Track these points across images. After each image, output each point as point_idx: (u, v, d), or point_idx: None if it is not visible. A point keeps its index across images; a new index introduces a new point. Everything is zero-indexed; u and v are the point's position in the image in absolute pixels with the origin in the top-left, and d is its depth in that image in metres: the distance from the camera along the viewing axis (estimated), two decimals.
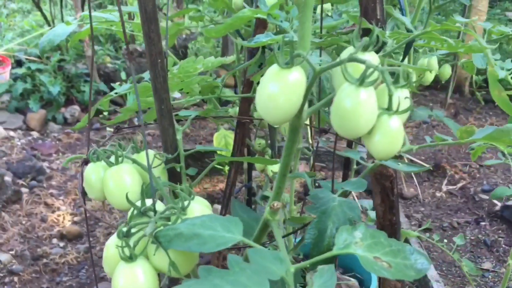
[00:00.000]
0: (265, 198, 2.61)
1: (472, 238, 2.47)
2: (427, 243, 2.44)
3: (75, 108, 3.44)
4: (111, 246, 0.55)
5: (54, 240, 2.37)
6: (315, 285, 0.42)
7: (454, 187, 2.84)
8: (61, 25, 0.98)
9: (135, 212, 0.54)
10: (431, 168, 3.02)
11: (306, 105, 0.46)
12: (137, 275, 0.51)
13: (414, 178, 2.93)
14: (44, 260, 2.24)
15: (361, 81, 0.44)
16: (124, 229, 0.52)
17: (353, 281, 1.81)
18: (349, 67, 0.44)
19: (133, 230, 0.53)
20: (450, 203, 2.73)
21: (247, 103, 1.10)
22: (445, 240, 2.42)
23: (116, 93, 0.97)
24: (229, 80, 2.35)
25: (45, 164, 2.97)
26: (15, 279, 2.14)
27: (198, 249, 0.46)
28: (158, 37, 0.56)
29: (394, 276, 0.43)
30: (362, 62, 0.44)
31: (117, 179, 0.61)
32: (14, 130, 3.23)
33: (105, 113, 3.21)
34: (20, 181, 2.74)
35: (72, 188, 2.79)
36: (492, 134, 0.55)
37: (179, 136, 0.65)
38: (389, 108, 0.47)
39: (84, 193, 0.62)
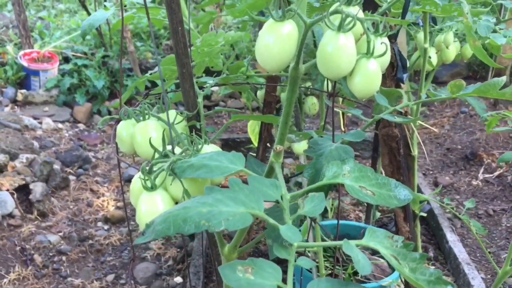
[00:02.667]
0: (298, 185, 2.68)
1: (508, 225, 2.45)
2: (461, 229, 2.44)
3: (118, 102, 3.60)
4: (137, 181, 0.64)
5: (99, 223, 2.51)
6: (305, 208, 0.49)
7: (491, 175, 2.82)
8: (100, 10, 1.08)
9: (157, 155, 0.63)
10: (468, 156, 3.00)
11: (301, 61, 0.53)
12: (156, 202, 0.59)
13: (450, 167, 2.92)
14: (90, 241, 2.38)
15: (339, 27, 0.51)
16: (147, 167, 0.61)
17: (382, 261, 1.86)
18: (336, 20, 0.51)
19: (154, 168, 0.61)
20: (486, 191, 2.72)
21: (272, 82, 1.17)
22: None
23: (151, 73, 1.06)
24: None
25: (91, 154, 3.13)
26: (63, 258, 2.28)
27: (205, 176, 0.54)
28: (178, 7, 0.64)
29: (377, 202, 0.49)
30: (343, 13, 0.50)
31: (144, 133, 0.69)
32: (62, 122, 3.41)
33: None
34: (68, 169, 2.90)
35: (115, 176, 2.93)
36: (481, 88, 0.60)
37: (200, 99, 0.73)
38: (367, 53, 0.53)
39: (117, 149, 0.71)
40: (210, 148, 0.65)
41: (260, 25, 1.03)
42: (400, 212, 0.83)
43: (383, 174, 2.30)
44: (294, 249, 0.45)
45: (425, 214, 1.40)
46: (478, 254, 2.29)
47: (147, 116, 0.71)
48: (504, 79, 0.58)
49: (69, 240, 2.38)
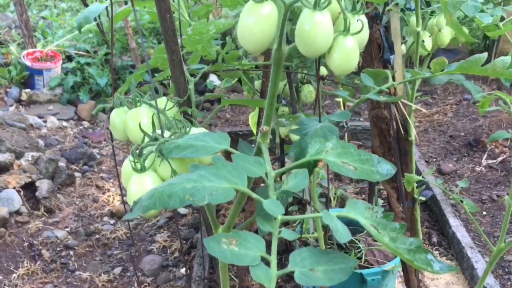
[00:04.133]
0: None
1: None
2: (465, 215, 2.44)
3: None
4: (128, 164, 0.66)
5: (105, 218, 2.54)
6: (289, 183, 0.51)
7: (494, 161, 2.82)
8: (96, 4, 1.09)
9: (148, 139, 0.65)
10: (471, 143, 2.99)
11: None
12: (146, 182, 0.61)
13: (453, 154, 2.92)
14: (97, 236, 2.41)
15: (315, 5, 0.52)
16: (137, 150, 0.63)
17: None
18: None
19: (144, 151, 0.63)
20: (490, 177, 2.72)
21: (268, 71, 1.18)
22: (484, 213, 2.42)
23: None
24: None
25: (96, 151, 3.16)
26: (71, 252, 2.31)
27: (191, 155, 0.55)
28: None
29: (359, 176, 0.51)
30: None
31: (135, 119, 0.71)
32: (67, 120, 3.44)
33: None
34: (73, 166, 2.93)
35: (120, 172, 2.96)
36: (463, 65, 0.61)
37: (191, 86, 0.75)
38: (344, 30, 0.55)
39: (111, 136, 0.73)
40: (198, 131, 0.67)
41: None
42: (393, 193, 0.84)
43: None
44: (277, 222, 0.46)
45: (423, 198, 1.41)
46: (482, 239, 2.30)
47: (138, 104, 0.72)
48: (485, 55, 0.59)
49: (76, 235, 2.41)
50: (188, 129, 0.65)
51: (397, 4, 1.18)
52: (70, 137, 3.26)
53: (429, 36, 1.18)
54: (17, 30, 4.09)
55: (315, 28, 0.52)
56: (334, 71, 0.56)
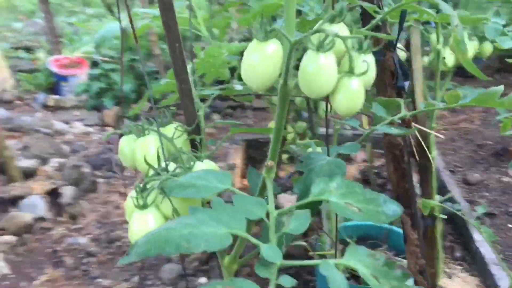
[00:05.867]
0: None
1: None
2: (491, 228, 2.38)
3: (146, 104, 3.66)
4: (130, 199, 0.66)
5: (127, 225, 2.56)
6: (290, 225, 0.50)
7: None
8: (112, 23, 1.10)
9: (152, 171, 0.64)
10: (499, 152, 2.92)
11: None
12: (147, 220, 0.61)
13: (479, 164, 2.86)
14: (118, 243, 2.43)
15: (319, 47, 0.51)
16: (141, 185, 0.63)
17: (405, 262, 1.83)
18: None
19: (148, 186, 0.63)
20: None
21: None
22: (509, 225, 2.36)
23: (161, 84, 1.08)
24: None
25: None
26: (93, 260, 2.34)
27: (193, 196, 0.55)
28: (175, 25, 0.65)
29: (363, 219, 0.49)
30: (325, 32, 0.50)
31: (143, 148, 0.71)
32: (92, 126, 3.49)
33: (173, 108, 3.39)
34: (97, 172, 2.97)
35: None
36: (479, 97, 0.59)
37: (201, 112, 0.74)
38: (350, 71, 0.53)
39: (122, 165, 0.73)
40: (203, 166, 0.66)
41: None
42: (407, 219, 0.82)
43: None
44: (275, 267, 0.45)
45: (445, 216, 1.38)
46: (508, 253, 2.24)
47: (146, 132, 0.73)
48: (501, 88, 0.57)
49: (98, 242, 2.44)
50: (192, 163, 0.65)
51: (418, 20, 1.15)
52: (94, 143, 3.31)
53: (451, 53, 1.16)
54: (45, 36, 4.18)
55: (318, 71, 0.51)
56: (338, 112, 0.55)
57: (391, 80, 0.69)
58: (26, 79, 3.74)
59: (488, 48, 1.31)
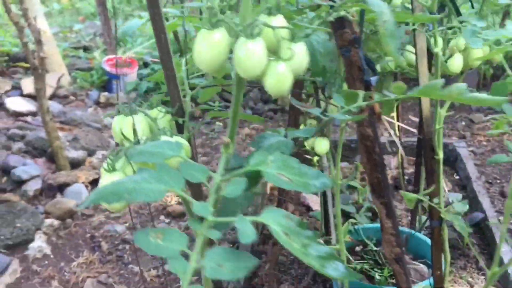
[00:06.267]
0: (351, 187, 2.68)
1: None
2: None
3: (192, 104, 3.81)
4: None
5: (162, 217, 2.70)
6: (226, 190, 0.57)
7: None
8: (136, 19, 1.21)
9: (127, 143, 0.74)
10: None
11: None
12: (113, 180, 0.70)
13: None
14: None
15: (248, 34, 0.58)
16: (114, 153, 0.72)
17: (422, 266, 1.85)
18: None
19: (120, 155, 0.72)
20: None
21: (296, 88, 1.24)
22: None
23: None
24: None
25: None
26: (127, 247, 2.48)
27: (147, 160, 0.64)
28: (160, 18, 0.74)
29: (294, 187, 0.55)
30: (264, 24, 0.57)
31: (122, 124, 0.81)
32: None
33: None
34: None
35: None
36: (423, 89, 0.64)
37: (187, 98, 0.83)
38: (278, 56, 0.61)
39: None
40: (168, 139, 0.75)
41: None
42: (382, 208, 0.86)
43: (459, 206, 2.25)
44: (207, 222, 0.52)
45: (469, 230, 1.36)
46: None
47: (134, 112, 0.82)
48: (443, 80, 0.61)
49: (134, 231, 2.58)
50: (159, 137, 0.74)
51: (422, 24, 1.19)
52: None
53: (458, 54, 1.17)
54: (101, 37, 4.42)
55: (247, 55, 0.59)
56: (269, 93, 0.62)
57: (358, 74, 0.74)
58: (82, 76, 3.98)
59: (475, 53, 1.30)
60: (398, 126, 2.56)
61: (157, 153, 0.63)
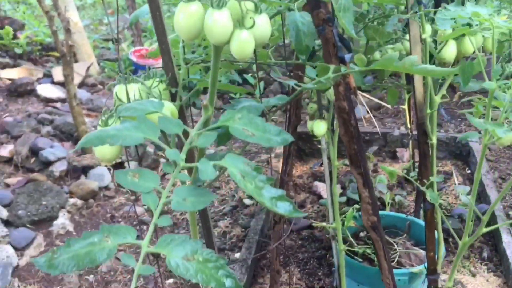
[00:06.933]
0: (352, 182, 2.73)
1: None
2: None
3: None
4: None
5: None
6: (198, 141, 0.65)
7: None
8: (146, 6, 1.30)
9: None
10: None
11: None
12: None
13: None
14: (168, 215, 2.67)
15: (213, 5, 0.67)
16: (108, 112, 0.82)
17: (421, 252, 1.90)
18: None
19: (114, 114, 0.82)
20: None
21: (298, 70, 1.32)
22: None
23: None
24: None
25: None
26: (144, 227, 2.60)
27: (131, 114, 0.73)
28: None
29: (256, 140, 0.63)
30: None
31: (118, 91, 0.91)
32: None
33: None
34: (160, 153, 3.25)
35: None
36: (382, 62, 0.71)
37: (181, 71, 0.92)
38: (241, 25, 0.69)
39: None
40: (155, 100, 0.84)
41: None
42: (359, 178, 0.93)
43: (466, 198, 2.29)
44: (178, 167, 0.61)
45: (439, 200, 1.43)
46: None
47: (132, 81, 0.92)
48: (396, 54, 0.69)
49: (151, 213, 2.70)
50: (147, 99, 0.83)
51: (415, 12, 1.25)
52: None
53: (451, 42, 1.22)
54: (129, 30, 4.57)
55: (214, 23, 0.68)
56: (235, 56, 0.71)
57: (334, 51, 0.81)
58: (110, 66, 4.14)
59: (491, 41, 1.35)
60: (410, 119, 2.60)
61: (140, 109, 0.72)
